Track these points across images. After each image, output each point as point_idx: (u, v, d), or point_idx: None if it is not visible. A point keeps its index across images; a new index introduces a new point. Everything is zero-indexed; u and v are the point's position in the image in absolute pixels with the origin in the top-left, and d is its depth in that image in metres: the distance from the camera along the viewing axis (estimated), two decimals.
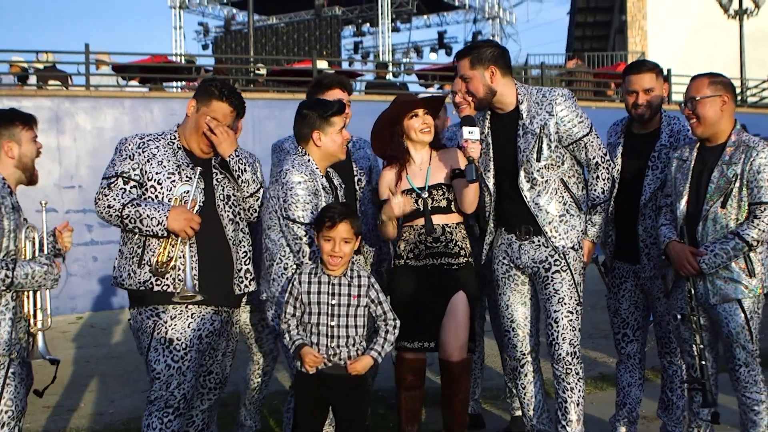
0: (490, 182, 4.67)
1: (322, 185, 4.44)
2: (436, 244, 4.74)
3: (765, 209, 4.15)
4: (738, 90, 18.74)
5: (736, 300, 4.23)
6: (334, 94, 5.11)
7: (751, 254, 4.23)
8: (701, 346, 4.25)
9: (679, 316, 4.31)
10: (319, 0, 31.20)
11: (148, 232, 4.15)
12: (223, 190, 4.42)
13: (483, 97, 4.55)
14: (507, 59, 4.61)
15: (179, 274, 4.19)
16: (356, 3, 33.11)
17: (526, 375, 4.78)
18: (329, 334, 4.15)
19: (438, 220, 4.76)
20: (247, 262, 4.48)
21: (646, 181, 4.74)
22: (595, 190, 4.60)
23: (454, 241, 4.76)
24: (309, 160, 4.45)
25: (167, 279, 4.19)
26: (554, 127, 4.46)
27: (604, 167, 4.58)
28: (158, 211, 4.12)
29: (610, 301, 5.02)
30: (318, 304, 4.17)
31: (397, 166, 4.84)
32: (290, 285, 4.23)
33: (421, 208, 4.74)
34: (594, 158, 4.56)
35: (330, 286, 4.18)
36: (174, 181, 4.26)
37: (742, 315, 4.22)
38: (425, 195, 4.74)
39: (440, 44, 37.45)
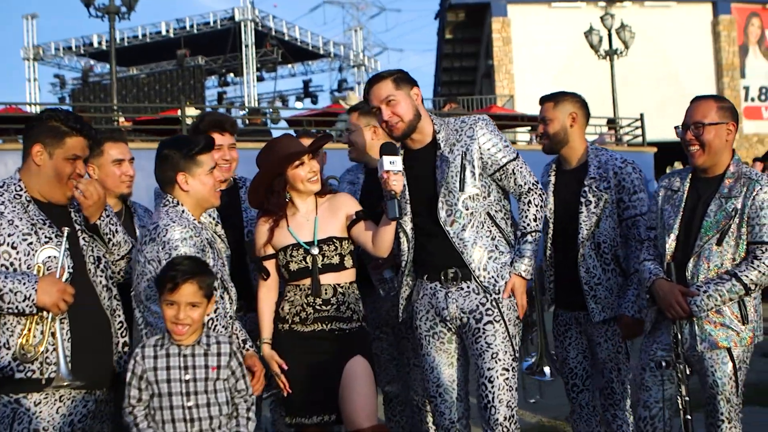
0: (408, 226, 4.14)
1: (207, 239, 3.76)
2: (326, 306, 4.08)
3: (766, 250, 3.77)
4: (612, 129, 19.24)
5: (726, 348, 3.81)
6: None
7: (746, 298, 3.83)
8: (686, 399, 3.78)
9: (663, 363, 3.84)
10: (181, 50, 30.60)
11: (10, 310, 3.40)
12: (93, 252, 3.72)
13: (412, 119, 4.05)
14: None
15: (47, 357, 3.45)
16: (219, 53, 32.54)
17: None
18: (187, 417, 3.34)
19: (329, 279, 4.10)
20: (124, 334, 3.79)
21: (581, 218, 4.38)
22: (526, 216, 4.08)
23: (346, 304, 4.11)
24: (184, 211, 3.74)
25: (33, 364, 3.44)
26: (477, 152, 4.01)
27: (536, 192, 4.10)
28: (23, 284, 3.39)
29: (557, 349, 4.61)
30: (168, 383, 3.35)
31: (272, 221, 4.17)
32: (132, 362, 3.40)
33: (310, 267, 4.09)
34: (525, 184, 4.08)
35: (181, 359, 3.37)
36: (31, 243, 3.51)
37: (731, 364, 3.82)
38: (314, 251, 4.10)
39: (306, 93, 37.35)
